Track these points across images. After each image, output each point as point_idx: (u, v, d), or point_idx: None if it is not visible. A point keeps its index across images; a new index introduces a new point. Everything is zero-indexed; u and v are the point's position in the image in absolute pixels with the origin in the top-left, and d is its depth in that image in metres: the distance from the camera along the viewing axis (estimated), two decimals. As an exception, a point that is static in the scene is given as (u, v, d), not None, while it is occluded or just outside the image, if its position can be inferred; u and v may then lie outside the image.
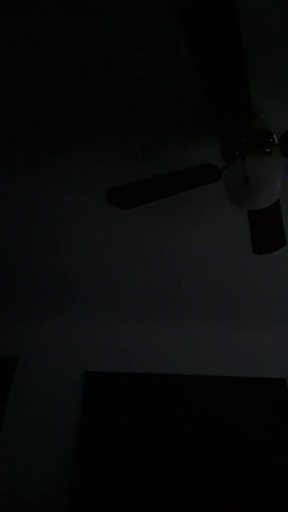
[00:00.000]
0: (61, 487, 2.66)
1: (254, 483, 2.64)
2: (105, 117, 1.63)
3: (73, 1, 1.25)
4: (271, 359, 3.17)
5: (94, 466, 2.71)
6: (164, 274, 2.71)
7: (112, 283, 2.84)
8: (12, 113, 1.63)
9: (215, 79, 1.18)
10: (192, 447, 2.78)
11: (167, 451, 2.77)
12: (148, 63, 1.41)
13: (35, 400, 3.02)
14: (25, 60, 1.42)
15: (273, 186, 1.42)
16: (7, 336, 3.33)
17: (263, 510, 2.55)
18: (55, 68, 1.45)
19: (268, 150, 1.48)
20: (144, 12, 1.27)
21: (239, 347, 3.25)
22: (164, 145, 1.73)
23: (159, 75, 1.45)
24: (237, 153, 1.48)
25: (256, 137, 1.46)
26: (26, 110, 1.61)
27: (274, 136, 1.49)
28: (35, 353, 3.25)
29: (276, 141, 1.49)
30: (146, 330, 3.34)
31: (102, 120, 1.64)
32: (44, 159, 1.84)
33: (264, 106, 1.53)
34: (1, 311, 3.31)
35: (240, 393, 2.99)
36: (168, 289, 2.88)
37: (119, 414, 2.92)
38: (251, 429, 2.84)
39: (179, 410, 2.93)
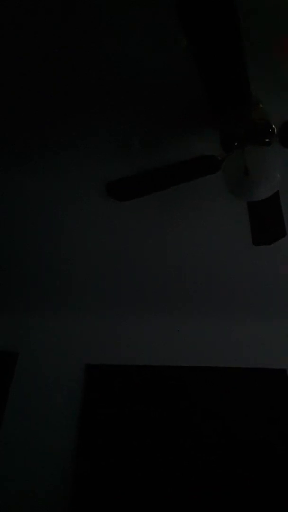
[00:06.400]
0: (62, 480, 2.69)
1: (255, 473, 2.67)
2: (104, 110, 1.61)
3: (73, 1, 1.24)
4: (271, 350, 3.18)
5: (95, 459, 2.74)
6: (164, 267, 2.71)
7: (112, 276, 2.84)
8: (12, 111, 1.63)
9: (214, 69, 1.17)
10: (193, 439, 2.80)
11: (168, 442, 2.79)
12: (147, 57, 1.40)
13: (36, 393, 3.03)
14: (25, 60, 1.42)
15: (272, 177, 1.41)
16: (8, 331, 3.34)
17: (264, 500, 2.58)
18: (55, 67, 1.45)
19: (267, 140, 1.47)
20: (144, 12, 1.26)
21: (240, 338, 3.26)
22: (163, 136, 1.72)
23: (158, 68, 1.44)
24: (236, 144, 1.48)
25: (255, 127, 1.46)
26: (26, 108, 1.61)
27: (274, 126, 1.48)
28: (36, 347, 3.26)
29: (276, 131, 1.48)
30: (147, 322, 3.35)
31: (100, 113, 1.63)
32: (44, 153, 1.83)
33: (263, 96, 1.52)
34: (1, 305, 3.32)
35: (241, 384, 3.01)
36: (168, 281, 2.88)
37: (120, 406, 2.94)
38: (252, 420, 2.86)
39: (180, 402, 2.95)
